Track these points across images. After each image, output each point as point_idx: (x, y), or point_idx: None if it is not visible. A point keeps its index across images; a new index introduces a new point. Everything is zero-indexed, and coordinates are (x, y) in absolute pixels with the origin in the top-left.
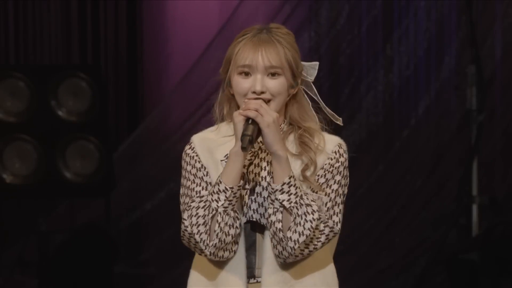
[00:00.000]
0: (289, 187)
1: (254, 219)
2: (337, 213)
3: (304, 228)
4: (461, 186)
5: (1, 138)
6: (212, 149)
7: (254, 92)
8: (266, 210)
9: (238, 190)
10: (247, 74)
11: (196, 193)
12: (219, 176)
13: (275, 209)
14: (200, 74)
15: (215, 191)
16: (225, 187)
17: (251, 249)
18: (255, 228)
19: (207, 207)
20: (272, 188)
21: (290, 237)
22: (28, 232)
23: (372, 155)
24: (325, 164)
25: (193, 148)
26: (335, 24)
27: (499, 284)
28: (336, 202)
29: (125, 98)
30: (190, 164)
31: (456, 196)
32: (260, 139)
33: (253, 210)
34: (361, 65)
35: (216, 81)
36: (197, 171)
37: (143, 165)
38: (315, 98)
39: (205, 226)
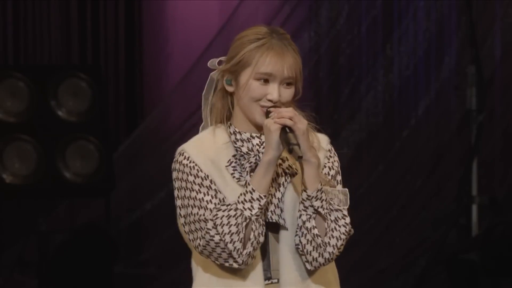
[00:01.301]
0: (321, 193)
1: (274, 220)
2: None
3: (340, 233)
4: (461, 186)
5: (1, 138)
6: (212, 157)
7: (270, 100)
8: (282, 211)
9: (268, 198)
10: (266, 81)
11: (207, 203)
12: (249, 184)
13: (308, 216)
14: (200, 74)
15: (247, 199)
16: (259, 196)
17: (266, 250)
18: (270, 229)
19: (239, 216)
20: (308, 195)
21: (329, 242)
22: (28, 232)
23: (372, 155)
24: (327, 163)
25: (189, 157)
26: (335, 24)
27: (499, 284)
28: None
29: (125, 98)
30: (191, 175)
31: (456, 196)
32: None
33: (271, 211)
34: (361, 65)
35: None
36: (202, 181)
37: (143, 165)
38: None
39: (239, 235)
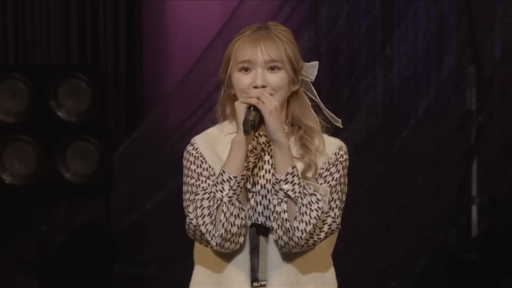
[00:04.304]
0: (293, 177)
1: (259, 222)
2: (334, 208)
3: (311, 217)
4: (461, 186)
5: (1, 139)
6: (216, 148)
7: (255, 87)
8: (271, 211)
9: (242, 179)
10: (247, 69)
11: (202, 189)
12: (222, 167)
13: (280, 200)
14: (200, 74)
15: (219, 182)
16: (229, 177)
17: (254, 252)
18: (259, 231)
19: (212, 198)
20: (276, 179)
21: (297, 227)
22: (28, 232)
23: (372, 155)
24: (324, 164)
25: (197, 148)
26: (334, 25)
27: (499, 284)
28: (333, 198)
29: (125, 98)
30: (195, 164)
31: (456, 196)
32: (263, 140)
33: (259, 212)
34: (360, 66)
35: (216, 81)
36: (203, 170)
37: (143, 165)
38: (315, 99)
39: (210, 217)
